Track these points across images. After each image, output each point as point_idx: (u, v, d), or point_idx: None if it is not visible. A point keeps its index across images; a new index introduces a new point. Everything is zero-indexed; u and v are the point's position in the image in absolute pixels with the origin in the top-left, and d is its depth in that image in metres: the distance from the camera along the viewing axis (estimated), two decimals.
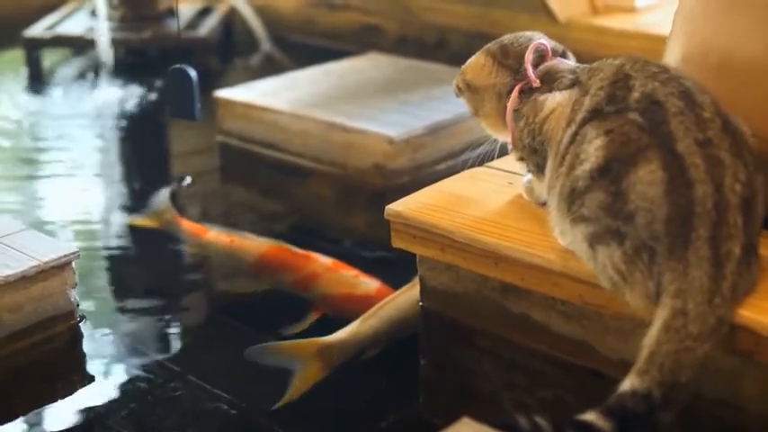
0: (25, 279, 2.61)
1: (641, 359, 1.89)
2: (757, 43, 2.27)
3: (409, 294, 2.68)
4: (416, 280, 2.71)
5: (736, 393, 2.09)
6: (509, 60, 2.40)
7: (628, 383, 1.87)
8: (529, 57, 2.36)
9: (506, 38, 2.46)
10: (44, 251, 2.69)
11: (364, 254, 3.28)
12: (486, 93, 2.44)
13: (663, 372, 1.85)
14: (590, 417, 1.84)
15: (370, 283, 2.90)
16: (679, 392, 1.86)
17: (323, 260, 3.03)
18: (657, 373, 1.85)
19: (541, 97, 2.31)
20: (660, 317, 1.91)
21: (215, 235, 3.31)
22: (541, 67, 2.37)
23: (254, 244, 3.19)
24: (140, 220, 3.53)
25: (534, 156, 2.31)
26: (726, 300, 1.91)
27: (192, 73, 3.42)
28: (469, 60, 2.49)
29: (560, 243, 2.19)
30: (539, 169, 2.31)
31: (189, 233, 3.39)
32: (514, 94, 2.36)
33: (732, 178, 1.97)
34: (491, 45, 2.47)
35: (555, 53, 2.41)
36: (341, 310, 2.80)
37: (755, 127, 2.13)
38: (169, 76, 3.49)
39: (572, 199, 2.07)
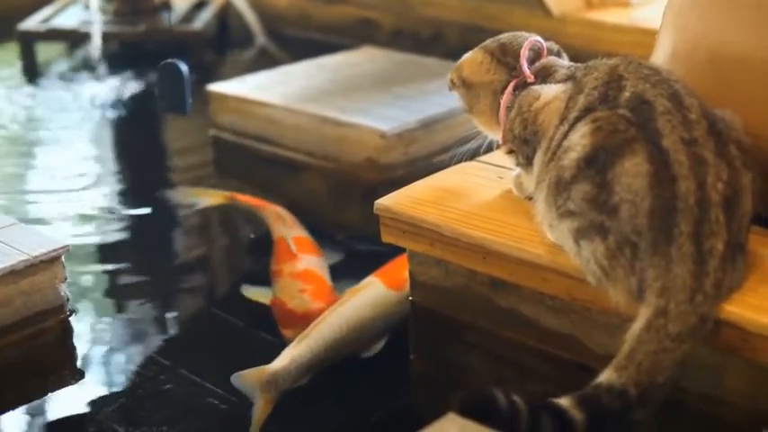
0: (14, 273, 2.61)
1: (622, 353, 1.90)
2: (747, 39, 2.27)
3: (342, 311, 2.64)
4: (346, 296, 2.72)
5: (723, 388, 2.09)
6: (507, 58, 2.41)
7: (606, 376, 1.89)
8: (524, 53, 2.37)
9: (504, 36, 2.47)
10: (34, 245, 2.69)
11: (357, 247, 3.28)
12: (481, 89, 2.45)
13: (640, 371, 1.87)
14: (565, 403, 1.86)
15: (308, 303, 2.80)
16: (655, 392, 1.88)
17: (298, 264, 2.98)
18: (635, 372, 1.87)
19: (536, 87, 2.31)
20: (644, 315, 1.92)
21: (272, 210, 3.35)
22: (537, 64, 2.38)
23: (281, 229, 3.21)
24: (207, 198, 3.61)
25: (525, 147, 2.31)
26: (708, 297, 1.92)
27: (184, 67, 3.41)
28: (465, 56, 2.50)
29: (548, 237, 2.19)
30: (528, 162, 2.31)
31: (252, 205, 3.44)
32: (509, 90, 2.37)
33: (715, 177, 1.98)
34: (489, 42, 2.47)
35: (550, 52, 2.42)
36: (273, 315, 2.80)
37: (744, 122, 2.13)
38: (160, 70, 3.48)
39: (558, 191, 2.07)
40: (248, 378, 2.44)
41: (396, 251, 2.61)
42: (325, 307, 2.72)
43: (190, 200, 3.64)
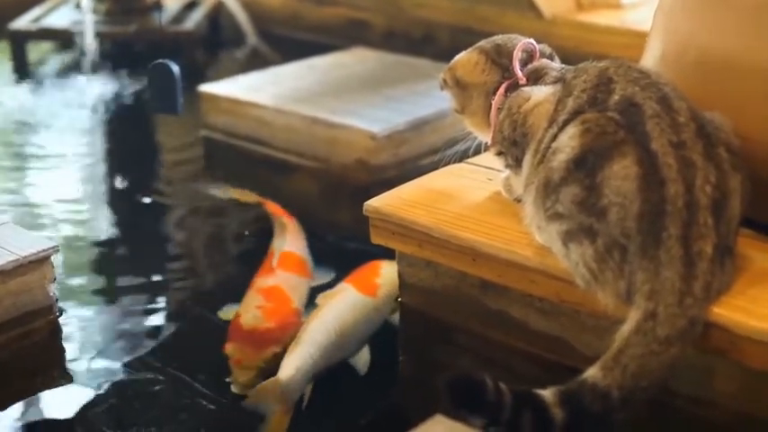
0: (3, 273, 2.60)
1: (610, 352, 1.91)
2: (736, 41, 2.27)
3: (323, 317, 2.62)
4: (320, 302, 2.72)
5: (711, 391, 2.09)
6: (502, 59, 2.41)
7: (592, 373, 1.90)
8: (517, 54, 2.38)
9: (499, 38, 2.48)
10: (23, 245, 2.68)
11: (347, 248, 3.28)
12: (475, 90, 2.44)
13: (625, 375, 1.87)
14: (549, 398, 1.88)
15: (258, 320, 2.69)
16: (639, 395, 1.88)
17: (270, 279, 2.91)
18: (620, 375, 1.87)
19: (526, 89, 2.32)
20: (633, 318, 1.92)
21: (281, 222, 3.29)
22: (529, 66, 2.39)
23: (277, 242, 3.15)
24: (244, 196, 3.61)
25: (513, 148, 2.31)
26: (698, 300, 1.92)
27: (175, 68, 3.41)
28: (459, 57, 2.49)
29: (537, 239, 2.19)
30: (517, 163, 2.31)
31: (273, 213, 3.39)
32: (500, 91, 2.38)
33: (703, 180, 1.98)
34: (484, 43, 2.47)
35: (542, 54, 2.43)
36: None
37: (733, 124, 2.13)
38: (151, 70, 3.48)
39: (547, 193, 2.08)
40: (264, 391, 2.42)
41: (386, 251, 2.61)
42: (276, 328, 2.67)
43: (224, 193, 3.65)
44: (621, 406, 1.87)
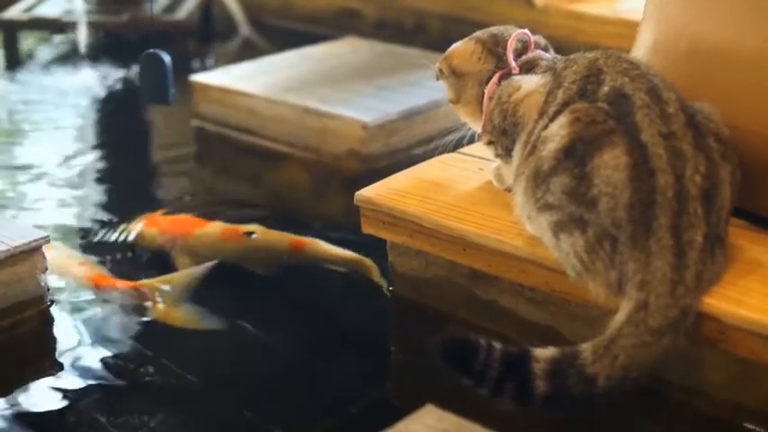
0: None
1: (604, 338, 1.92)
2: (727, 30, 2.28)
3: None
4: None
5: (701, 380, 2.10)
6: (498, 48, 2.42)
7: (583, 352, 1.91)
8: (511, 44, 2.39)
9: (495, 28, 2.49)
10: (14, 236, 2.67)
11: (337, 238, 3.28)
12: (470, 79, 2.45)
13: (614, 366, 1.88)
14: (538, 367, 1.91)
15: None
16: (626, 385, 1.90)
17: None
18: (609, 364, 1.88)
19: (516, 78, 2.32)
20: (625, 308, 1.93)
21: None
22: (523, 57, 2.40)
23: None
24: None
25: (503, 138, 2.32)
26: (689, 289, 1.92)
27: (166, 57, 3.40)
28: (455, 46, 2.50)
29: (527, 229, 2.20)
30: (507, 153, 2.32)
31: None
32: (494, 80, 2.39)
33: (693, 170, 1.99)
34: (480, 33, 2.48)
35: (537, 46, 2.43)
36: None
37: (723, 114, 2.14)
38: (142, 60, 3.46)
39: (537, 183, 2.08)
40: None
41: (377, 241, 2.61)
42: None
43: None
44: (605, 391, 1.89)
